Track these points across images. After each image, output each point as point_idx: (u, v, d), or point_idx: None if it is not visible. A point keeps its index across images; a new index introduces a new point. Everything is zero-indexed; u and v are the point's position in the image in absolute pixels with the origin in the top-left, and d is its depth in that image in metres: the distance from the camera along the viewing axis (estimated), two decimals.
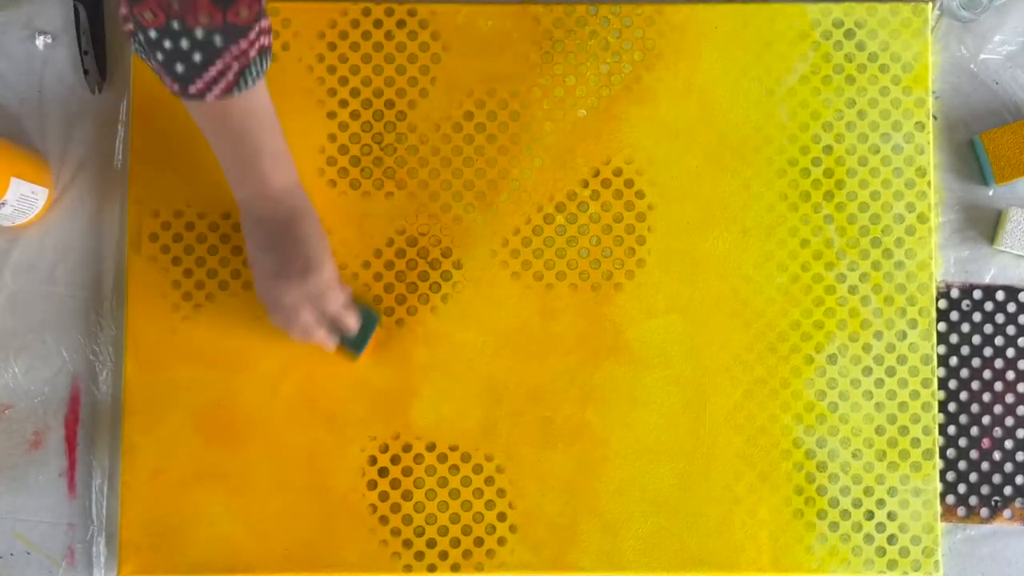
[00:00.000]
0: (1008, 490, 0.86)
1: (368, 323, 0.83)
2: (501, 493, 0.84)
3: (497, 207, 0.86)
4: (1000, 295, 0.87)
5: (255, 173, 0.75)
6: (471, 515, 0.84)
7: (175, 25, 0.64)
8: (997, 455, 0.86)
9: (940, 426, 0.86)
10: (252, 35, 0.66)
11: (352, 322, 0.81)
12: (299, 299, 0.77)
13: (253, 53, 0.67)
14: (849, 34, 0.87)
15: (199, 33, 0.64)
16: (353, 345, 0.83)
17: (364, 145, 0.86)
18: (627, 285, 0.86)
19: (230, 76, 0.67)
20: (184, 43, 0.65)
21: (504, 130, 0.86)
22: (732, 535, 0.84)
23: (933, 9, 0.88)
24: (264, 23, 0.67)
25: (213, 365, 0.84)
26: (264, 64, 0.69)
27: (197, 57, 0.65)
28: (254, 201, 0.76)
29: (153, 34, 0.64)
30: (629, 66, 0.87)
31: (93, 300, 0.86)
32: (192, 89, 0.67)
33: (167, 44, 0.65)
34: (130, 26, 0.65)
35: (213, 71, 0.66)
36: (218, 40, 0.65)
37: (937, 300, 0.87)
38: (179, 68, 0.66)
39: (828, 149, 0.87)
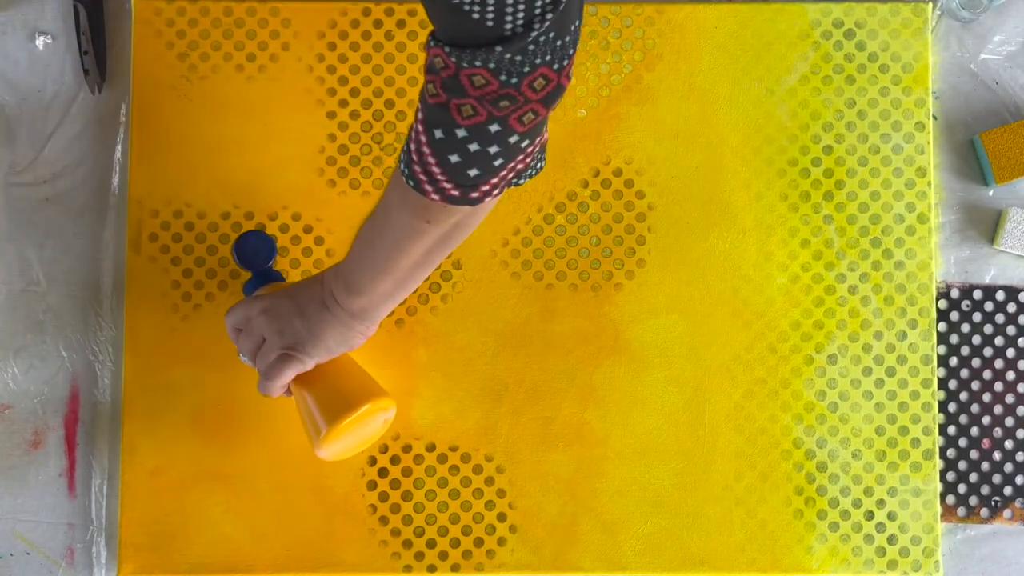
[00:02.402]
0: (1008, 490, 0.86)
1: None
2: (501, 493, 0.84)
3: (497, 207, 0.86)
4: (1000, 295, 0.87)
5: (375, 282, 0.69)
6: (471, 515, 0.84)
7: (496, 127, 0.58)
8: (997, 455, 0.86)
9: (940, 426, 0.86)
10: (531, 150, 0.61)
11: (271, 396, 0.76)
12: (258, 335, 0.74)
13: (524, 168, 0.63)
14: (849, 34, 0.87)
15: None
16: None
17: (364, 145, 0.86)
18: (627, 285, 0.86)
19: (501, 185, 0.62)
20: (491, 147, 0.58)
21: None
22: (732, 535, 0.84)
23: (933, 9, 0.88)
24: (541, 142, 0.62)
25: (213, 365, 0.84)
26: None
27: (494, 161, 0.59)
28: (347, 290, 0.71)
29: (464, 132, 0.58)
30: (629, 66, 0.87)
31: (93, 300, 0.86)
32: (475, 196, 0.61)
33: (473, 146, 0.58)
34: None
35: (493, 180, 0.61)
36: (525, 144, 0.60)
37: (937, 300, 0.87)
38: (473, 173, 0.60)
39: (828, 149, 0.87)
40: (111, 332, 0.86)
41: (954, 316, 0.87)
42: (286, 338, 0.73)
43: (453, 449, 0.85)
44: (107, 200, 0.87)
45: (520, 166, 0.61)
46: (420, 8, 0.86)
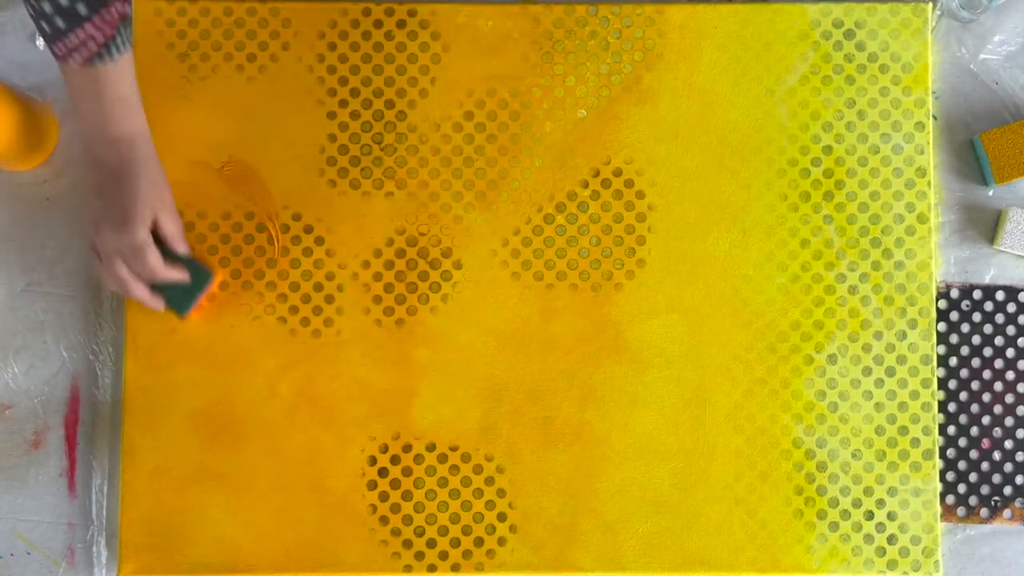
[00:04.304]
0: (1008, 490, 0.86)
1: (198, 281, 0.82)
2: (501, 493, 0.84)
3: (497, 207, 0.86)
4: (1000, 295, 0.87)
5: (97, 113, 0.75)
6: (471, 515, 0.84)
7: None
8: (997, 455, 0.86)
9: (940, 426, 0.86)
10: (115, 8, 0.69)
11: (170, 277, 0.79)
12: (112, 251, 0.77)
13: (113, 26, 0.70)
14: (849, 34, 0.87)
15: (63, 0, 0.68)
16: (177, 303, 0.82)
17: (364, 145, 0.86)
18: (627, 285, 0.86)
19: (92, 47, 0.70)
20: (47, 6, 0.68)
21: (504, 130, 0.86)
22: (732, 535, 0.84)
23: (933, 9, 0.88)
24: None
25: (213, 365, 0.84)
26: (125, 37, 0.72)
27: (60, 23, 0.69)
28: (92, 141, 0.76)
29: None
30: (629, 66, 0.87)
31: (93, 300, 0.86)
32: (57, 51, 0.71)
33: (38, 5, 0.69)
34: None
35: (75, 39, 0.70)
36: (82, 9, 0.68)
37: (937, 300, 0.87)
38: (45, 28, 0.70)
39: (828, 149, 0.87)
40: (111, 332, 0.86)
41: (954, 316, 0.87)
42: (122, 239, 0.76)
43: (453, 449, 0.85)
44: None
45: (90, 36, 0.70)
46: (420, 8, 0.86)
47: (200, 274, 0.83)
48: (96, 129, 0.75)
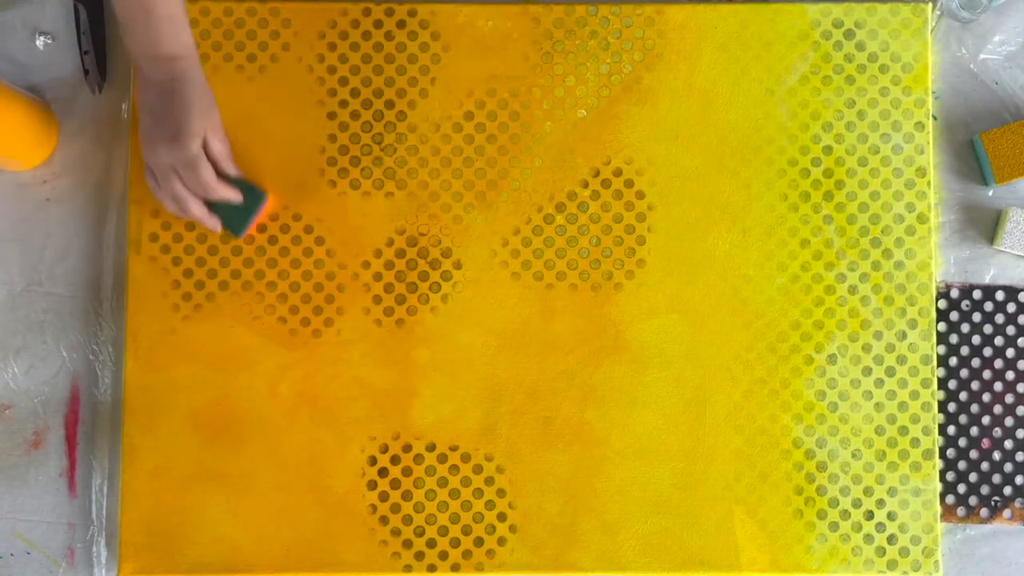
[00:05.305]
0: (1008, 490, 0.86)
1: (251, 202, 0.83)
2: (501, 493, 0.84)
3: (497, 207, 0.86)
4: (1000, 295, 0.87)
5: (145, 32, 0.75)
6: (471, 515, 0.84)
7: None
8: (997, 455, 0.86)
9: (940, 426, 0.86)
10: None
11: (225, 195, 0.81)
12: (166, 165, 0.77)
13: None
14: (849, 34, 0.87)
15: None
16: (232, 224, 0.83)
17: (364, 145, 0.86)
18: (627, 285, 0.86)
19: None
20: None
21: (504, 130, 0.86)
22: (732, 535, 0.84)
23: (933, 9, 0.88)
24: None
25: (213, 365, 0.84)
26: None
27: None
28: (143, 61, 0.77)
29: None
30: (629, 66, 0.87)
31: (93, 300, 0.86)
32: None
33: None
34: None
35: None
36: None
37: (937, 300, 0.87)
38: None
39: (828, 149, 0.87)
40: (111, 332, 0.86)
41: (954, 316, 0.87)
42: (176, 153, 0.77)
43: (453, 449, 0.85)
44: (107, 200, 0.87)
45: None
46: (420, 8, 0.86)
47: (253, 195, 0.83)
48: (145, 48, 0.76)
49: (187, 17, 0.77)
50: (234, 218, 0.83)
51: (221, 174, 0.80)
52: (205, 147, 0.78)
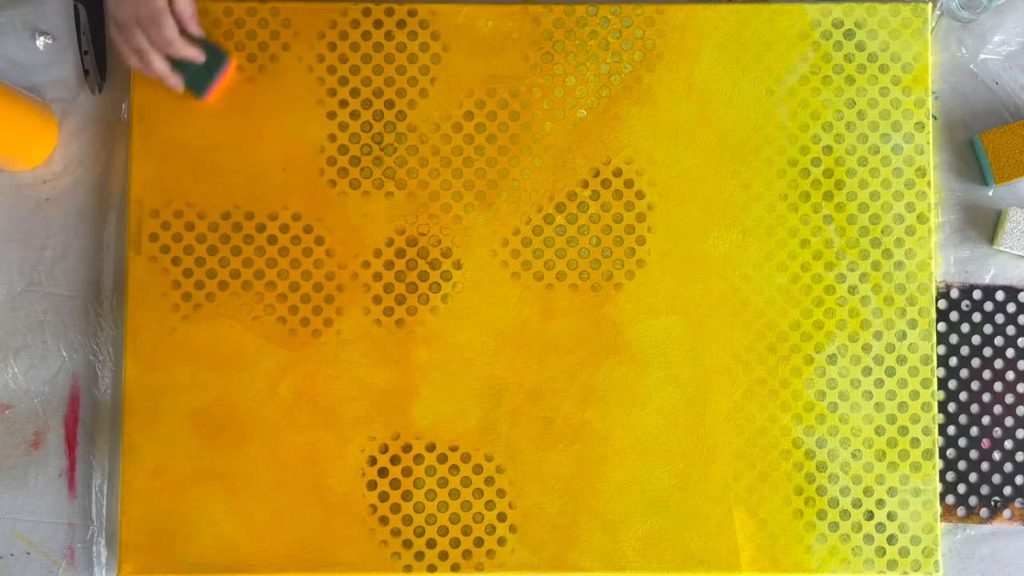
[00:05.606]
0: (1008, 490, 0.86)
1: (215, 63, 0.84)
2: (501, 493, 0.84)
3: (497, 207, 0.86)
4: (1000, 295, 0.87)
5: None
6: (471, 515, 0.84)
7: None
8: (997, 455, 0.86)
9: (940, 426, 0.86)
10: None
11: (187, 53, 0.81)
12: (130, 17, 0.78)
13: None
14: (849, 34, 0.87)
15: None
16: (195, 84, 0.84)
17: (364, 145, 0.86)
18: (627, 285, 0.86)
19: None
20: None
21: (504, 130, 0.86)
22: (732, 535, 0.84)
23: (933, 9, 0.88)
24: None
25: (213, 365, 0.84)
26: None
27: None
28: None
29: None
30: (629, 66, 0.87)
31: (93, 300, 0.86)
32: None
33: None
34: None
35: None
36: None
37: (937, 300, 0.87)
38: None
39: (828, 149, 0.87)
40: (111, 332, 0.86)
41: (954, 316, 0.87)
42: (140, 5, 0.77)
43: (453, 449, 0.85)
44: (107, 200, 0.87)
45: None
46: (420, 8, 0.86)
47: (217, 56, 0.84)
48: None
49: None
50: (197, 78, 0.83)
51: (185, 33, 0.81)
52: (171, 4, 0.79)
